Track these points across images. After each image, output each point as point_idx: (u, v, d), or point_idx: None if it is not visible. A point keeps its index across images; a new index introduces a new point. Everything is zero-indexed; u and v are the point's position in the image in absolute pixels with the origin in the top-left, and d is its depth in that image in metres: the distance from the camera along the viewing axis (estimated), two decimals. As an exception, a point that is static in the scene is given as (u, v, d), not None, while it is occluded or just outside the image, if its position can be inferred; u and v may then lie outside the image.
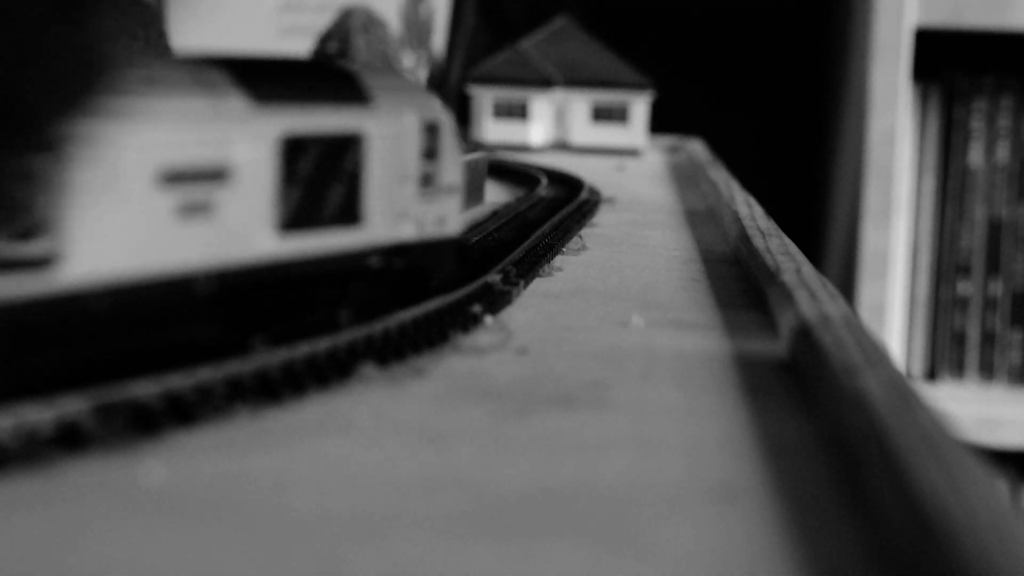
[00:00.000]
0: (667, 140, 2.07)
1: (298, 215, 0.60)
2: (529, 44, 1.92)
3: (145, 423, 0.51)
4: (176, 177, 0.53)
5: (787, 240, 0.94)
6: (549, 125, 1.90)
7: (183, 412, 0.53)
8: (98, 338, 0.52)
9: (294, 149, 0.60)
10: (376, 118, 0.65)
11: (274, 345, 0.59)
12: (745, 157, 2.08)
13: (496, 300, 0.76)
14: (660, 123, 2.05)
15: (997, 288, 1.87)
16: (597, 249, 1.03)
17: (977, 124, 1.87)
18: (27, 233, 0.47)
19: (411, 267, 0.68)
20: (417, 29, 2.06)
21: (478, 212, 1.18)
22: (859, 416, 0.50)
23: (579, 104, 1.90)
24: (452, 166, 0.71)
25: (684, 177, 1.64)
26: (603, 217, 1.21)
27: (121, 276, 0.52)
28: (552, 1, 2.26)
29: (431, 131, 0.69)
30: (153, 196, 0.53)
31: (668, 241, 1.10)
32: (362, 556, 0.41)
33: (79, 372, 0.51)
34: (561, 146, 1.90)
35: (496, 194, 1.33)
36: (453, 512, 0.45)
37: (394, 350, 0.64)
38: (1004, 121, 1.87)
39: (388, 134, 0.66)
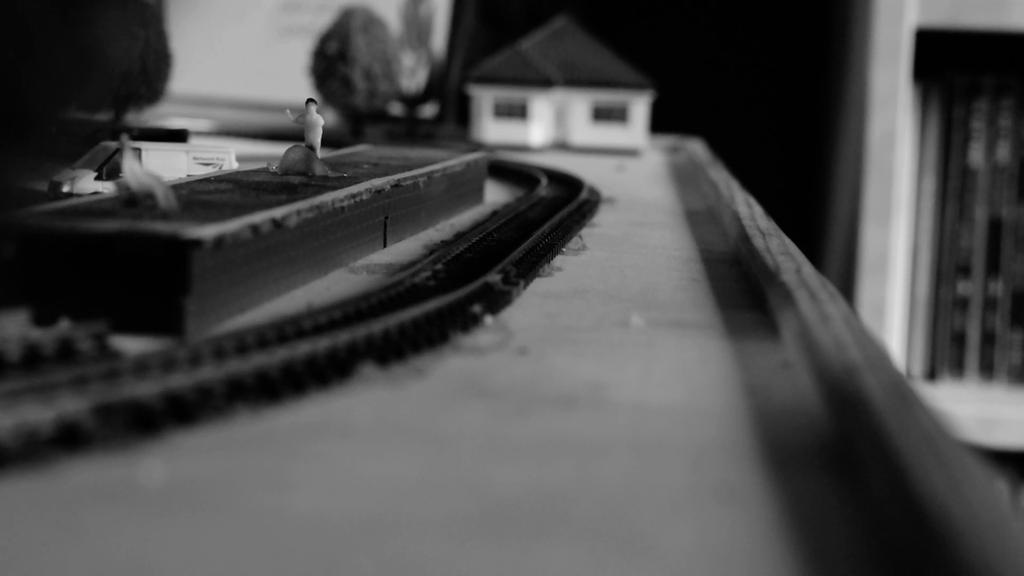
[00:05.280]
0: (667, 140, 2.07)
1: None
2: (529, 44, 1.92)
3: (145, 423, 0.51)
4: None
5: (787, 240, 0.94)
6: (549, 125, 1.90)
7: (183, 412, 0.53)
8: None
9: None
10: None
11: None
12: (745, 157, 2.08)
13: (496, 300, 0.76)
14: (660, 123, 2.05)
15: (997, 288, 1.87)
16: (597, 249, 1.03)
17: (977, 124, 1.87)
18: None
19: None
20: (417, 29, 2.06)
21: (478, 212, 1.18)
22: (859, 416, 0.50)
23: (579, 104, 1.90)
24: None
25: (684, 177, 1.64)
26: (603, 217, 1.21)
27: None
28: (552, 1, 2.26)
29: None
30: None
31: (668, 241, 1.10)
32: (362, 556, 0.41)
33: None
34: (561, 146, 1.90)
35: (496, 194, 1.33)
36: (453, 513, 0.45)
37: (394, 350, 0.64)
38: (1004, 121, 1.87)
39: None
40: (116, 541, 0.41)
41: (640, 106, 1.90)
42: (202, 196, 0.79)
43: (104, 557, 0.40)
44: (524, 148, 1.83)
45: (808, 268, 0.81)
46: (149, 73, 1.30)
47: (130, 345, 0.62)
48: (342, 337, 0.62)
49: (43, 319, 0.63)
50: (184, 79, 1.53)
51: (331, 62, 1.86)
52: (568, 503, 0.46)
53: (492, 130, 1.85)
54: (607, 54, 1.94)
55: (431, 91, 2.07)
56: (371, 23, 1.87)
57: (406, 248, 0.97)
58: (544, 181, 1.35)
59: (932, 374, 1.89)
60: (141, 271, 0.65)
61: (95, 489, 0.46)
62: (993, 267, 1.87)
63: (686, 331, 0.75)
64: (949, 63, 1.90)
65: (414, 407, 0.58)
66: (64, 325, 0.62)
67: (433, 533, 0.43)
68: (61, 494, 0.45)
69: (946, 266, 1.88)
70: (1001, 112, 1.87)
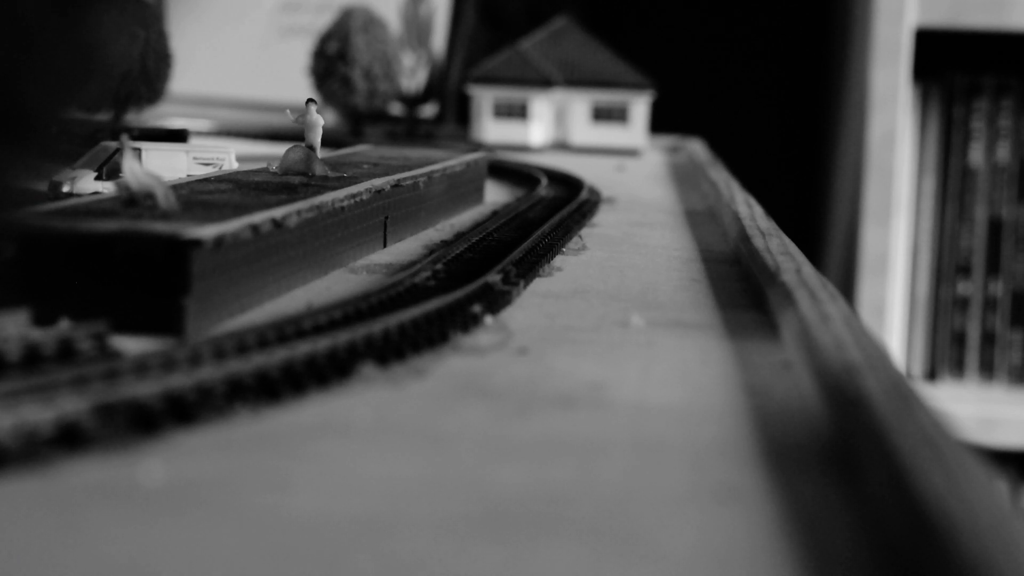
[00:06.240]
0: (667, 140, 2.07)
1: None
2: (529, 44, 1.92)
3: (145, 423, 0.51)
4: None
5: (787, 240, 0.94)
6: (549, 125, 1.90)
7: (183, 412, 0.53)
8: None
9: None
10: None
11: None
12: (745, 157, 2.08)
13: (496, 300, 0.76)
14: (660, 123, 2.05)
15: (997, 288, 1.87)
16: (597, 249, 1.03)
17: (977, 124, 1.87)
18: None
19: None
20: (417, 29, 2.06)
21: (478, 212, 1.18)
22: (859, 416, 0.50)
23: (579, 104, 1.90)
24: None
25: (684, 177, 1.64)
26: (603, 217, 1.21)
27: None
28: (552, 1, 2.26)
29: None
30: None
31: (668, 241, 1.10)
32: (362, 556, 0.41)
33: None
34: (561, 146, 1.90)
35: (496, 194, 1.33)
36: (453, 513, 0.45)
37: (394, 350, 0.64)
38: (1004, 121, 1.87)
39: None
40: (116, 541, 0.41)
41: (640, 106, 1.90)
42: (202, 196, 0.79)
43: (104, 557, 0.40)
44: (524, 148, 1.83)
45: (808, 268, 0.81)
46: (149, 73, 1.30)
47: (130, 345, 0.62)
48: (342, 337, 0.62)
49: (43, 319, 0.63)
50: (184, 79, 1.53)
51: (331, 62, 1.86)
52: (568, 503, 0.46)
53: (492, 130, 1.85)
54: (607, 54, 1.94)
55: (431, 91, 2.07)
56: (371, 23, 1.87)
57: (406, 248, 0.97)
58: (544, 181, 1.35)
59: (932, 374, 1.89)
60: (141, 271, 0.65)
61: (95, 489, 0.46)
62: (993, 267, 1.87)
63: (686, 331, 0.75)
64: (949, 63, 1.90)
65: (414, 407, 0.58)
66: (64, 325, 0.62)
67: (433, 533, 0.43)
68: (61, 494, 0.45)
69: (946, 266, 1.88)
70: (1001, 112, 1.87)
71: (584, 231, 1.11)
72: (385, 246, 0.96)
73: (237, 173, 0.93)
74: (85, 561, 0.40)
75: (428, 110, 2.08)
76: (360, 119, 1.90)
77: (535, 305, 0.79)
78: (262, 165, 0.95)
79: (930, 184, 1.90)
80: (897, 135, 1.85)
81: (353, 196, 0.88)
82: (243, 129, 1.88)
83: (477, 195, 1.24)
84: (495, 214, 1.13)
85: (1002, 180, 1.87)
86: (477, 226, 1.05)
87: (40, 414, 0.49)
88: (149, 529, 0.43)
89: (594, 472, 0.50)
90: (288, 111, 0.95)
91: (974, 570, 0.35)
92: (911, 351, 1.89)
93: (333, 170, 0.94)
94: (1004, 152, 1.87)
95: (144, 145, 0.97)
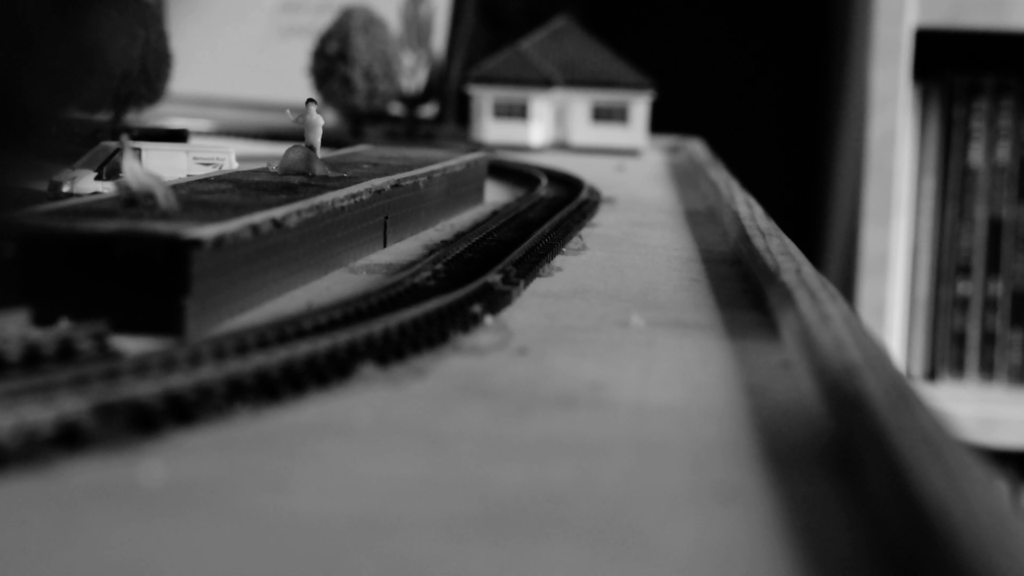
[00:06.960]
0: (667, 140, 2.07)
1: None
2: (529, 44, 1.92)
3: (145, 423, 0.51)
4: None
5: (787, 240, 0.94)
6: (549, 125, 1.89)
7: (183, 412, 0.53)
8: None
9: None
10: None
11: None
12: (745, 157, 2.08)
13: (496, 300, 0.76)
14: (660, 123, 2.05)
15: (997, 288, 1.87)
16: (597, 249, 1.03)
17: (977, 124, 1.87)
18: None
19: None
20: (417, 29, 2.06)
21: (478, 212, 1.18)
22: (859, 416, 0.50)
23: (579, 104, 1.90)
24: None
25: (684, 177, 1.64)
26: (603, 217, 1.21)
27: None
28: (552, 1, 2.25)
29: None
30: None
31: (668, 241, 1.10)
32: (362, 556, 0.41)
33: None
34: (561, 146, 1.90)
35: (496, 194, 1.33)
36: (453, 513, 0.45)
37: (394, 350, 0.64)
38: (1004, 121, 1.87)
39: None
40: (116, 541, 0.42)
41: (640, 106, 1.90)
42: (202, 196, 0.79)
43: (104, 557, 0.40)
44: (524, 148, 1.83)
45: (808, 268, 0.81)
46: (149, 73, 1.30)
47: (130, 345, 0.62)
48: (342, 337, 0.62)
49: (43, 319, 0.63)
50: (184, 79, 1.53)
51: (331, 62, 1.86)
52: (568, 503, 0.46)
53: (492, 130, 1.85)
54: (607, 54, 1.94)
55: (431, 91, 2.07)
56: (371, 23, 1.87)
57: (406, 248, 0.97)
58: (544, 181, 1.35)
59: (932, 374, 1.89)
60: (141, 271, 0.65)
61: (95, 489, 0.46)
62: (993, 267, 1.87)
63: (686, 331, 0.75)
64: (949, 63, 1.90)
65: (414, 407, 0.58)
66: (64, 325, 0.62)
67: (433, 533, 0.43)
68: (61, 494, 0.45)
69: (946, 266, 1.88)
70: (1001, 112, 1.87)
71: (584, 231, 1.11)
72: (385, 246, 0.96)
73: (237, 173, 0.93)
74: (85, 561, 0.40)
75: (428, 110, 2.08)
76: (360, 119, 1.90)
77: (535, 305, 0.79)
78: (262, 165, 0.95)
79: (930, 184, 1.90)
80: (897, 135, 1.85)
81: (353, 196, 0.88)
82: (243, 129, 1.88)
83: (477, 195, 1.24)
84: (495, 214, 1.13)
85: (1002, 180, 1.87)
86: (477, 226, 1.05)
87: (40, 414, 0.49)
88: (149, 529, 0.43)
89: (594, 472, 0.50)
90: (288, 111, 0.95)
91: (974, 570, 0.35)
92: (911, 351, 1.89)
93: (333, 170, 0.94)
94: (1004, 152, 1.87)
95: (144, 145, 0.97)
